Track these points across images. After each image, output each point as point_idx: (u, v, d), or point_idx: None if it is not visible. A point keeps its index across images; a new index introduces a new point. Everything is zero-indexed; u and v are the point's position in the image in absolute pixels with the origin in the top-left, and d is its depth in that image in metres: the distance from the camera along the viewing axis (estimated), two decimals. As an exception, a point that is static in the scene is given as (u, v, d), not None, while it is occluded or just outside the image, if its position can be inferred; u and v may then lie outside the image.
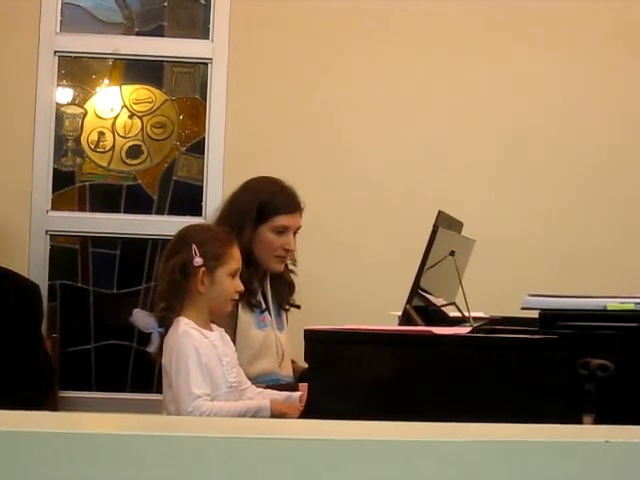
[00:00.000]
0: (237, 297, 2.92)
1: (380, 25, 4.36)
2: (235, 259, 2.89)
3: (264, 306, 3.27)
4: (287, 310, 3.39)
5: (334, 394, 2.49)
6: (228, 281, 2.86)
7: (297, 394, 2.93)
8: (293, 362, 3.39)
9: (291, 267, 3.39)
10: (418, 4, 4.39)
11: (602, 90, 4.40)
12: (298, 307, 3.40)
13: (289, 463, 1.25)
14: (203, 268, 2.83)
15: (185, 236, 2.93)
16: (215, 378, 2.78)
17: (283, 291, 3.36)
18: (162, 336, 2.83)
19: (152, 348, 2.85)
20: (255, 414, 2.76)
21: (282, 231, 3.25)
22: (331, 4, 4.35)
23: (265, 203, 3.25)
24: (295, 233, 3.30)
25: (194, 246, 2.83)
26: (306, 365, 2.75)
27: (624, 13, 4.37)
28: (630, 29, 4.40)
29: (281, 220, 3.25)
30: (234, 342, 3.06)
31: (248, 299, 3.17)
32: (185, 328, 2.77)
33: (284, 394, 2.95)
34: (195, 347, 2.74)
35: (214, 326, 2.90)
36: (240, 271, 2.91)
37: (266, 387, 3.04)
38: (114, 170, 4.42)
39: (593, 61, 4.40)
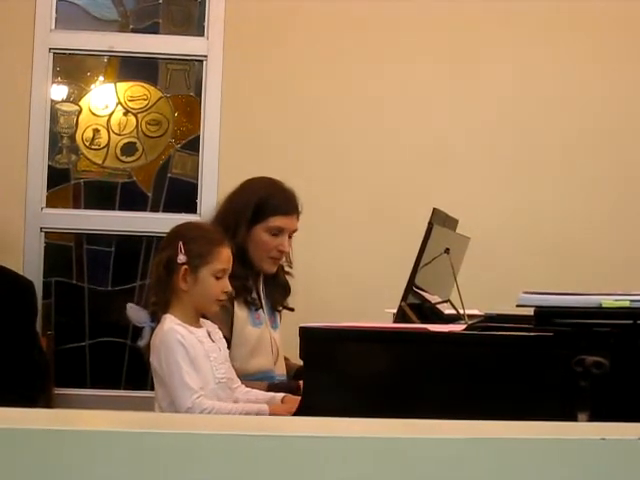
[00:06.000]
0: (224, 298, 2.90)
1: (376, 22, 4.36)
2: (222, 260, 2.86)
3: (259, 304, 3.26)
4: (280, 311, 3.38)
5: (329, 391, 2.49)
6: (212, 281, 2.84)
7: (280, 395, 2.92)
8: (286, 359, 3.38)
9: (287, 269, 3.37)
10: (415, 2, 4.39)
11: (601, 88, 4.40)
12: (292, 310, 3.38)
13: (286, 460, 1.25)
14: (185, 266, 2.82)
15: (174, 233, 2.93)
16: (203, 373, 2.77)
17: (277, 292, 3.33)
18: (153, 330, 2.83)
19: (142, 342, 2.85)
20: None
21: (277, 232, 3.22)
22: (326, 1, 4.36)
23: (261, 203, 3.22)
24: (291, 236, 3.28)
25: (180, 243, 2.82)
26: (300, 363, 2.75)
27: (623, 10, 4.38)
28: (630, 27, 4.41)
29: (277, 221, 3.22)
30: (230, 339, 3.06)
31: (244, 296, 3.16)
32: (170, 325, 2.77)
33: (269, 395, 2.95)
34: (180, 342, 2.74)
35: (204, 321, 2.90)
36: (229, 272, 2.88)
37: (268, 387, 3.05)
38: (109, 167, 4.41)
39: (591, 60, 4.41)
